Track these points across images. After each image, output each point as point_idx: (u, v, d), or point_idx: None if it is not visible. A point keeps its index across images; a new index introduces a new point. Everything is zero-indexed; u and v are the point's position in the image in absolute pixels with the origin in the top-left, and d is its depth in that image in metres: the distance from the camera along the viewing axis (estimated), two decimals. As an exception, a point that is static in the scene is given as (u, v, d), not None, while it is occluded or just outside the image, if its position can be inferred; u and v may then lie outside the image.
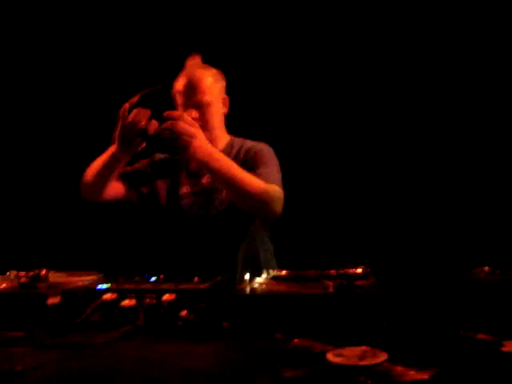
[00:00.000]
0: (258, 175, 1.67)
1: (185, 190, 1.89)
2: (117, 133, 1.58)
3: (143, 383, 0.76)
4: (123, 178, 1.90)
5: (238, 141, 1.97)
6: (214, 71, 1.87)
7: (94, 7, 3.08)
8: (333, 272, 1.10)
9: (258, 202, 1.62)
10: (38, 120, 3.22)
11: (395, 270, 1.23)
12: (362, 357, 0.81)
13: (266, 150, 1.88)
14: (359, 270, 1.06)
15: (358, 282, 1.04)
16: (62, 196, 3.21)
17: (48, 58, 3.14)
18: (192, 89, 1.79)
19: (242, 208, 1.69)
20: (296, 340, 0.90)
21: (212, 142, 1.78)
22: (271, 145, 1.94)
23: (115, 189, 1.88)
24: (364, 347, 0.85)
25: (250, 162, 1.79)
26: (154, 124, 1.53)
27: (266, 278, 1.17)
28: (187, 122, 1.54)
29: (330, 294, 1.01)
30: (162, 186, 1.93)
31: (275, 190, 1.67)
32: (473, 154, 2.87)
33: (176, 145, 1.52)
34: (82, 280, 1.23)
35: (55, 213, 3.22)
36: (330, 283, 1.05)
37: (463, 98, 2.90)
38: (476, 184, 2.80)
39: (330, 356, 0.81)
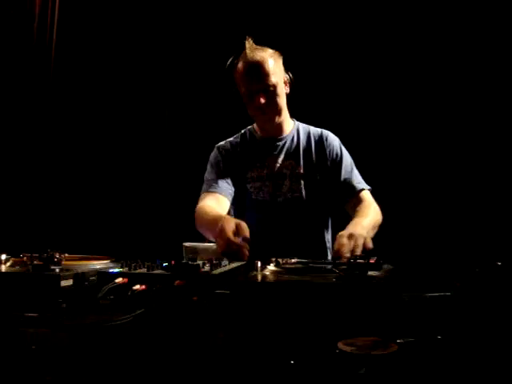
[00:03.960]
0: (354, 176, 1.86)
1: (251, 173, 1.88)
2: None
3: (155, 366, 0.77)
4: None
5: (302, 125, 1.95)
6: (270, 51, 1.78)
7: None
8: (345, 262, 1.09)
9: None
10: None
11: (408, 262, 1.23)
12: (374, 347, 0.81)
13: (343, 148, 1.94)
14: (372, 261, 1.06)
15: (370, 273, 1.03)
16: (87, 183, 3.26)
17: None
18: (255, 73, 1.72)
19: None
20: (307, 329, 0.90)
21: (281, 125, 1.87)
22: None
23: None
24: (375, 338, 0.85)
25: (334, 160, 1.89)
26: None
27: (277, 267, 1.17)
28: None
29: (339, 283, 1.00)
30: (232, 172, 1.91)
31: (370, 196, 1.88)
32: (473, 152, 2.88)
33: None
34: (95, 263, 1.24)
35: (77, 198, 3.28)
36: (341, 273, 1.04)
37: (456, 95, 2.90)
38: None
39: (341, 345, 0.82)
